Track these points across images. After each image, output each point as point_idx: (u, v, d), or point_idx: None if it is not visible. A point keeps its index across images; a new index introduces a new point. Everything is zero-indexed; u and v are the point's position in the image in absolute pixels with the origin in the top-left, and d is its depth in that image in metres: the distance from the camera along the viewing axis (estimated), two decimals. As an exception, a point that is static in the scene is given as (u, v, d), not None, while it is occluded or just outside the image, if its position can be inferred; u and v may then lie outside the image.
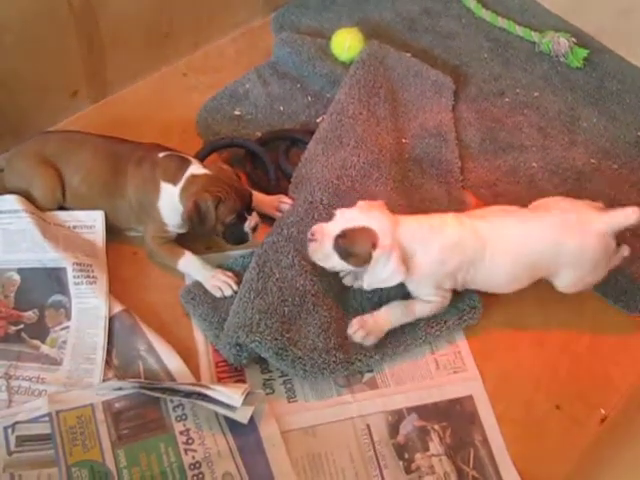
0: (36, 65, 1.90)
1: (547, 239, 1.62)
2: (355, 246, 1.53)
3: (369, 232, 1.52)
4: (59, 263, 1.71)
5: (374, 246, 1.52)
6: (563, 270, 1.65)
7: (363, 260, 1.54)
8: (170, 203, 1.71)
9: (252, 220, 1.70)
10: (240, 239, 1.73)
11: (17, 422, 1.54)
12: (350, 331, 1.62)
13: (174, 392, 1.56)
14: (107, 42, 2.00)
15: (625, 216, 1.61)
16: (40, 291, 1.71)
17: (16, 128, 1.91)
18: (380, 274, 1.54)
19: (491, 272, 1.63)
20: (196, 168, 1.71)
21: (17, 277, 1.73)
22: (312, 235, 1.56)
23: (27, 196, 1.75)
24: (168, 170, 1.72)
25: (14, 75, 1.87)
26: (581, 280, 1.68)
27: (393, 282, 1.56)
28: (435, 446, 1.57)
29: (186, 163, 1.73)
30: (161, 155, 1.75)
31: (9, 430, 1.52)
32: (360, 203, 1.59)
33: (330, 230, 1.54)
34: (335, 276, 1.70)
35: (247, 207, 1.70)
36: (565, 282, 1.68)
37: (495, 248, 1.60)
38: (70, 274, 1.70)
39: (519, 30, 2.42)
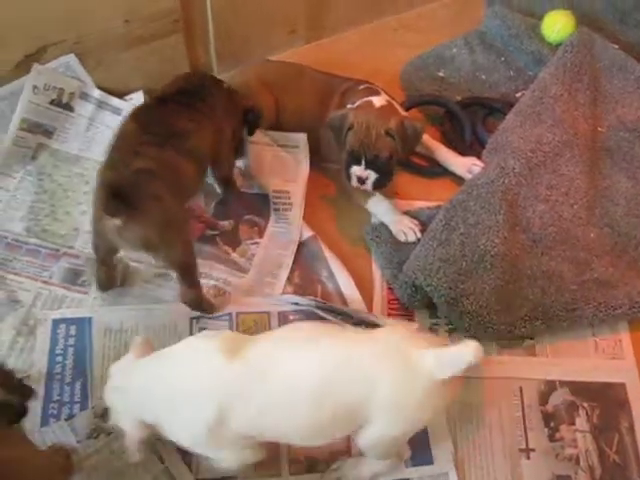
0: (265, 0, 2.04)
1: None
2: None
3: None
4: (261, 190, 1.85)
5: None
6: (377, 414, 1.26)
7: None
8: None
9: (358, 172, 1.75)
10: (345, 174, 1.78)
11: (201, 316, 1.68)
12: None
13: (346, 317, 1.65)
14: (331, -12, 2.12)
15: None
16: (238, 209, 1.85)
17: (237, 52, 2.07)
18: None
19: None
20: (379, 100, 1.77)
21: (219, 191, 1.86)
22: None
23: (242, 115, 1.84)
24: (357, 97, 1.80)
25: (245, 6, 2.01)
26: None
27: None
28: (581, 422, 1.60)
29: (374, 93, 1.80)
30: (361, 87, 1.84)
31: (194, 321, 1.67)
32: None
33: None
34: (513, 242, 1.75)
35: (368, 159, 1.73)
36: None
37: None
38: (270, 201, 1.84)
39: None
